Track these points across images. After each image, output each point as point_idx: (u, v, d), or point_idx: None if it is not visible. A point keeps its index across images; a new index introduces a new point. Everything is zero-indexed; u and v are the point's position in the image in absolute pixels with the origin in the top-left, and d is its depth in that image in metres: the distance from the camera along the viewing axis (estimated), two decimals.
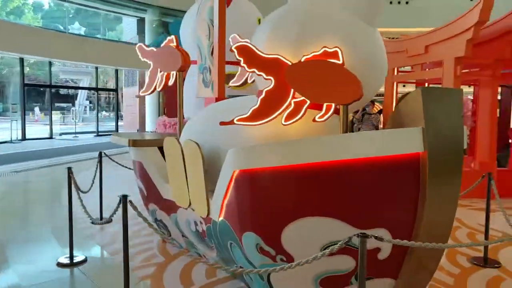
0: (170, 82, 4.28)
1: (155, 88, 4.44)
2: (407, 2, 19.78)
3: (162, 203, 3.97)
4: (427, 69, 8.25)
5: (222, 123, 2.97)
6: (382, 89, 9.92)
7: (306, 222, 2.48)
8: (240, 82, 5.01)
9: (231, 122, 2.91)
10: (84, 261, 3.89)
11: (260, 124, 2.83)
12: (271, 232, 2.61)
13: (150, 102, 22.87)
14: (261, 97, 2.81)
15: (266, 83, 3.02)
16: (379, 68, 3.02)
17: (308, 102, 2.72)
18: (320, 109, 2.79)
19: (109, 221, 5.10)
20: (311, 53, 2.71)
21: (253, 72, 2.83)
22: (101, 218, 5.24)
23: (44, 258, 4.00)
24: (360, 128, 9.68)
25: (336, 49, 2.65)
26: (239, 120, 2.87)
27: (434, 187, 2.30)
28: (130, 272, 2.84)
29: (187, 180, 3.44)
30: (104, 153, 5.60)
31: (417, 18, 17.82)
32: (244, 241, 2.78)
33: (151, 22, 21.98)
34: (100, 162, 5.38)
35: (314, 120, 2.79)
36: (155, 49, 4.43)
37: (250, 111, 2.83)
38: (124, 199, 2.69)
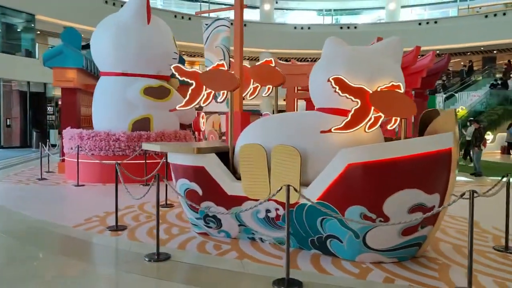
0: (220, 100, 5.09)
1: (197, 103, 5.16)
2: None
3: (224, 199, 4.76)
4: None
5: (322, 132, 4.16)
6: (282, 102, 11.83)
7: (400, 193, 3.92)
8: (223, 99, 6.03)
9: (329, 131, 4.13)
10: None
11: (351, 131, 4.14)
12: (375, 203, 3.95)
13: None
14: (351, 113, 4.12)
15: (327, 102, 4.38)
16: None
17: (383, 117, 4.16)
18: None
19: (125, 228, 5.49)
20: (383, 84, 4.16)
21: (345, 96, 4.12)
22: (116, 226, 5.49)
23: None
24: None
25: (400, 83, 4.17)
26: (336, 129, 4.11)
27: (455, 165, 4.03)
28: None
29: (269, 176, 4.43)
30: None
31: None
32: (348, 213, 4.03)
33: None
34: None
35: (386, 128, 4.25)
36: (199, 71, 5.14)
37: (344, 123, 4.11)
38: (287, 187, 3.64)
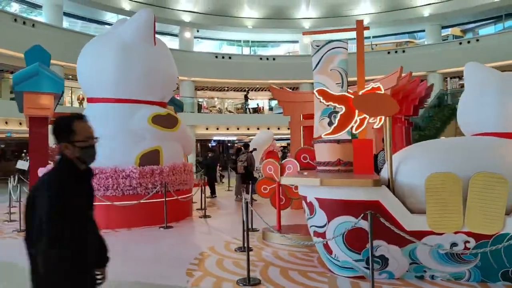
0: (376, 125, 4.62)
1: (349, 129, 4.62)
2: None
3: (400, 235, 4.27)
4: None
5: None
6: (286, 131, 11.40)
7: None
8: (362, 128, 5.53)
9: None
10: None
11: None
12: None
13: None
14: None
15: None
16: None
17: None
18: None
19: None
20: None
21: None
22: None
23: None
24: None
25: None
26: None
27: None
28: None
29: (464, 206, 4.13)
30: None
31: None
32: None
33: None
34: None
35: None
36: (351, 95, 4.62)
37: None
38: None
